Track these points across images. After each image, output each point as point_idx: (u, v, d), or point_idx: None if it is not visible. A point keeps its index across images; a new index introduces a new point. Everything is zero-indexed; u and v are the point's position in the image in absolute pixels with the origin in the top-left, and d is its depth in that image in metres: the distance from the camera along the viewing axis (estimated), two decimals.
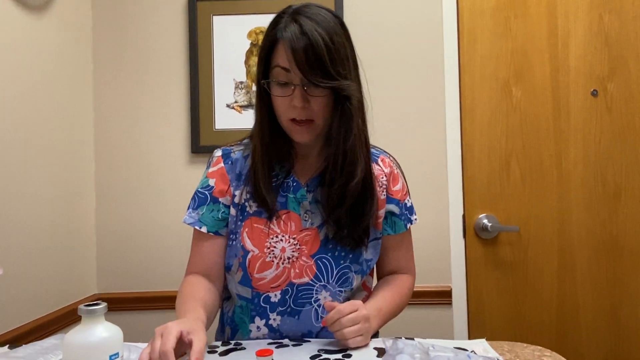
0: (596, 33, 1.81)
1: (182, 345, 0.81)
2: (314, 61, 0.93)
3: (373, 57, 1.83)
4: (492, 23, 1.85)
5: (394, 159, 1.18)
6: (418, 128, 1.84)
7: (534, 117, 1.84)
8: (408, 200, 1.17)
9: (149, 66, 1.87)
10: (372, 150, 1.12)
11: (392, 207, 1.13)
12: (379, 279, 1.22)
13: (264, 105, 1.04)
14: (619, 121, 1.81)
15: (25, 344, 1.02)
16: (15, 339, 1.31)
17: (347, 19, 1.83)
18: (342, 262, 1.07)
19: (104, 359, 0.64)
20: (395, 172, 1.15)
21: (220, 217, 1.08)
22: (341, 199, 1.02)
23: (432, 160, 1.84)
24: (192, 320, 0.86)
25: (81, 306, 0.67)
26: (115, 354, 0.66)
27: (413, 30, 1.85)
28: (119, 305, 1.76)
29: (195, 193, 1.11)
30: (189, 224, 1.09)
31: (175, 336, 0.77)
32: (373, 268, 1.19)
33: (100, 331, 0.66)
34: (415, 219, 1.18)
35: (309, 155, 1.10)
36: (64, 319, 1.58)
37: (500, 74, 1.85)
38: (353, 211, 1.03)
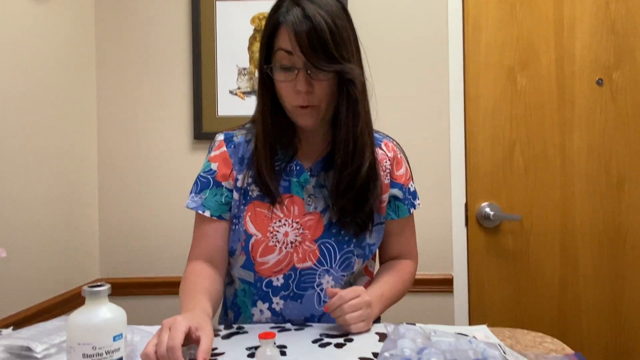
0: (602, 21, 1.80)
1: (189, 340, 0.80)
2: (317, 44, 0.92)
3: (377, 43, 1.82)
4: (497, 10, 1.83)
5: (397, 143, 1.18)
6: (422, 116, 1.83)
7: (538, 105, 1.83)
8: (411, 185, 1.17)
9: (151, 52, 1.86)
10: (375, 134, 1.12)
11: (396, 192, 1.13)
12: (381, 263, 1.22)
13: (266, 90, 1.03)
14: (624, 111, 1.80)
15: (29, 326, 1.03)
16: (19, 322, 1.32)
17: (352, 5, 1.82)
18: (345, 246, 1.07)
19: (107, 339, 0.64)
20: (399, 156, 1.15)
21: (223, 201, 1.08)
22: (350, 184, 1.02)
23: (435, 148, 1.83)
24: (200, 315, 0.85)
25: (85, 287, 0.67)
26: (118, 335, 0.66)
27: (418, 18, 1.83)
28: (121, 290, 1.77)
29: (197, 177, 1.11)
30: (191, 208, 1.08)
31: (183, 332, 0.76)
32: (375, 253, 1.19)
33: (104, 312, 0.66)
34: (419, 204, 1.18)
35: (312, 139, 1.10)
36: (67, 303, 1.59)
37: (505, 62, 1.83)
38: (357, 196, 1.03)
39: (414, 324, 0.98)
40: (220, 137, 1.13)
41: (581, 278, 1.82)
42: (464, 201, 1.83)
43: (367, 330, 0.98)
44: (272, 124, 1.04)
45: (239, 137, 1.11)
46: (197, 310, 0.88)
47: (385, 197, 1.11)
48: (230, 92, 1.85)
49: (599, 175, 1.81)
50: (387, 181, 1.11)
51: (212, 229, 1.08)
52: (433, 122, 1.83)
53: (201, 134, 1.84)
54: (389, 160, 1.12)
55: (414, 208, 1.17)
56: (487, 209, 1.82)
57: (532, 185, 1.83)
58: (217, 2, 1.85)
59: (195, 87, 1.84)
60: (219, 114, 1.85)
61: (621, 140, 1.80)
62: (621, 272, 1.80)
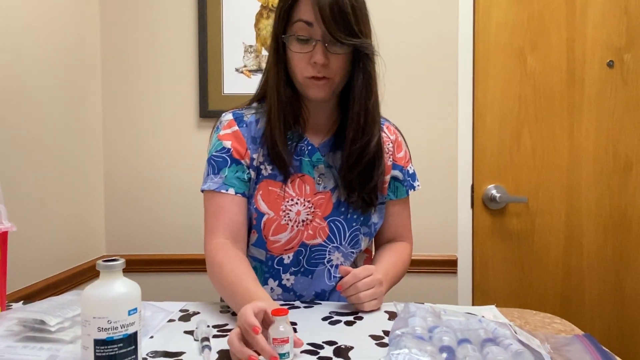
0: (615, 1, 1.77)
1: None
2: (339, 17, 0.93)
3: (385, 24, 1.79)
4: None
5: (396, 127, 1.20)
6: (430, 97, 1.81)
7: (547, 87, 1.81)
8: (410, 167, 1.19)
9: (157, 29, 1.83)
10: None
11: (397, 173, 1.15)
12: (376, 246, 1.23)
13: (281, 62, 1.02)
14: (634, 93, 1.78)
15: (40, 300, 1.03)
16: (25, 297, 1.33)
17: None
18: (353, 224, 1.09)
19: (122, 313, 0.64)
20: (399, 139, 1.17)
21: (245, 177, 1.05)
22: (359, 159, 1.03)
23: (443, 128, 1.82)
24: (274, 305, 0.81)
25: (100, 261, 0.66)
26: (133, 309, 0.66)
27: None
28: (126, 267, 1.77)
29: (210, 158, 1.06)
30: (214, 189, 1.03)
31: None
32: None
33: (119, 286, 0.65)
34: (418, 186, 1.20)
35: (319, 118, 1.09)
36: (73, 279, 1.60)
37: (515, 42, 1.81)
38: (364, 172, 1.05)
39: (423, 304, 0.99)
40: (228, 115, 1.10)
41: (585, 261, 1.82)
42: (471, 183, 1.83)
43: (378, 309, 0.99)
44: (286, 97, 1.03)
45: (249, 116, 1.09)
46: (270, 300, 0.84)
47: (388, 177, 1.13)
48: (236, 69, 1.83)
49: (606, 158, 1.80)
50: (390, 162, 1.13)
51: (234, 206, 1.03)
52: (441, 103, 1.81)
53: (207, 111, 1.82)
54: (392, 142, 1.15)
55: (413, 189, 1.19)
56: (494, 191, 1.82)
57: (539, 168, 1.82)
58: None
59: (201, 65, 1.82)
60: (224, 91, 1.83)
61: (630, 124, 1.78)
62: (625, 255, 1.81)
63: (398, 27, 1.81)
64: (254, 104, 1.11)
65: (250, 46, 1.82)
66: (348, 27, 0.94)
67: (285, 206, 1.05)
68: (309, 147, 1.07)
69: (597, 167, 1.80)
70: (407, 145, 1.19)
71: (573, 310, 1.83)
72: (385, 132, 1.14)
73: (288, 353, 0.72)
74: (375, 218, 1.13)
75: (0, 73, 1.29)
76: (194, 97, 1.84)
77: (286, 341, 0.72)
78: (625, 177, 1.79)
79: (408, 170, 1.17)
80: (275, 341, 0.72)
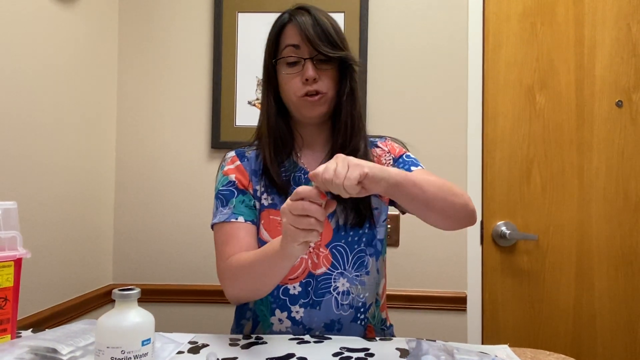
0: (624, 43, 1.80)
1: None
2: (322, 35, 1.03)
3: (397, 59, 1.83)
4: (518, 29, 1.84)
5: (392, 139, 1.23)
6: (439, 132, 1.83)
7: (557, 125, 1.82)
8: (408, 155, 1.17)
9: (172, 60, 1.88)
10: (370, 139, 1.19)
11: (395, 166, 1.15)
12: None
13: (271, 91, 1.11)
14: None
15: (48, 328, 1.03)
16: (32, 325, 1.32)
17: (373, 20, 1.83)
18: (356, 246, 1.10)
19: (136, 343, 0.64)
20: (392, 144, 1.20)
21: (252, 205, 1.10)
22: None
23: (452, 164, 1.83)
24: None
25: (115, 290, 0.67)
26: (147, 340, 0.65)
27: (438, 34, 1.84)
28: None
29: (217, 193, 1.12)
30: (223, 221, 1.07)
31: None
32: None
33: (134, 316, 0.66)
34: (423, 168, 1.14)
35: (315, 145, 1.15)
36: (80, 307, 1.59)
37: (524, 80, 1.84)
38: None
39: (435, 341, 0.97)
40: (231, 153, 1.19)
41: (597, 300, 1.79)
42: (480, 219, 1.82)
43: (362, 177, 0.82)
44: (276, 122, 1.10)
45: (251, 152, 1.17)
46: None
47: None
48: (249, 102, 1.86)
49: (616, 197, 1.80)
50: None
51: (245, 232, 1.07)
52: (451, 139, 1.83)
53: (219, 143, 1.84)
54: (387, 153, 1.17)
55: (416, 167, 1.12)
56: (503, 228, 1.81)
57: (549, 205, 1.82)
58: (239, 13, 1.87)
59: (215, 97, 1.85)
60: (237, 123, 1.85)
61: None
62: (637, 295, 1.78)
63: (408, 60, 1.84)
64: (256, 142, 1.18)
65: None
66: (332, 42, 1.04)
67: None
68: (305, 176, 1.11)
69: (608, 206, 1.80)
70: (403, 144, 1.22)
71: (585, 351, 1.79)
72: (379, 147, 1.18)
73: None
74: (380, 234, 1.14)
75: (9, 101, 1.32)
76: (207, 128, 1.87)
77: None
78: (636, 216, 1.79)
79: (403, 157, 1.15)
80: None
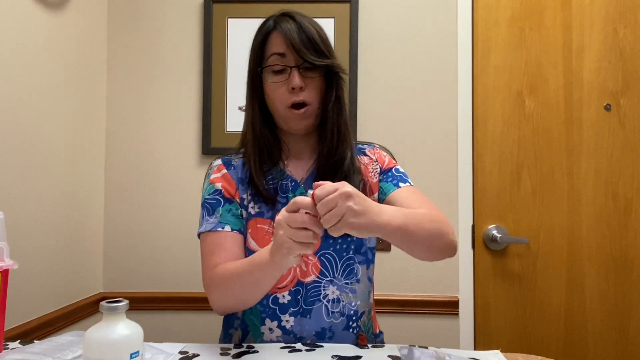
0: (611, 47, 1.82)
1: None
2: (307, 43, 1.02)
3: (387, 64, 1.83)
4: (506, 34, 1.85)
5: (380, 147, 1.22)
6: (430, 137, 1.84)
7: (546, 129, 1.83)
8: (397, 168, 1.17)
9: (162, 66, 1.87)
10: (358, 145, 1.18)
11: (382, 178, 1.15)
12: None
13: (256, 99, 1.09)
14: (631, 136, 1.81)
15: (37, 339, 1.02)
16: (20, 336, 1.30)
17: (362, 28, 1.84)
18: (344, 254, 1.09)
19: (124, 356, 0.63)
20: (383, 155, 1.19)
21: (239, 214, 1.09)
22: (333, 174, 1.06)
23: (443, 169, 1.83)
24: None
25: (103, 303, 0.66)
26: (135, 352, 0.65)
27: (428, 40, 1.85)
28: None
29: (204, 202, 1.12)
30: (210, 230, 1.06)
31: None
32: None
33: (122, 328, 0.65)
34: (411, 184, 1.15)
35: (301, 154, 1.14)
36: (69, 317, 1.57)
37: (513, 85, 1.85)
38: None
39: (427, 348, 0.97)
40: (217, 161, 1.17)
41: (588, 303, 1.80)
42: (471, 223, 1.83)
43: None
44: (261, 130, 1.09)
45: (237, 160, 1.15)
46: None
47: (376, 195, 1.14)
48: (239, 108, 1.85)
49: (606, 200, 1.81)
50: (375, 180, 1.14)
51: (232, 241, 1.06)
52: (441, 144, 1.84)
53: (209, 148, 1.84)
54: (375, 162, 1.17)
55: (405, 183, 1.12)
56: (494, 232, 1.82)
57: (539, 209, 1.83)
58: (229, 19, 1.86)
59: (205, 102, 1.84)
60: (227, 129, 1.85)
61: (629, 166, 1.80)
62: (628, 297, 1.79)
63: (397, 66, 1.84)
64: (242, 150, 1.16)
65: None
66: (317, 50, 1.03)
67: None
68: (292, 184, 1.10)
69: (597, 209, 1.81)
70: (392, 156, 1.21)
71: (576, 354, 1.80)
72: (367, 155, 1.17)
73: None
74: (370, 242, 1.14)
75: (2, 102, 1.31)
76: (197, 133, 1.86)
77: None
78: (625, 218, 1.80)
79: (392, 171, 1.15)
80: None
